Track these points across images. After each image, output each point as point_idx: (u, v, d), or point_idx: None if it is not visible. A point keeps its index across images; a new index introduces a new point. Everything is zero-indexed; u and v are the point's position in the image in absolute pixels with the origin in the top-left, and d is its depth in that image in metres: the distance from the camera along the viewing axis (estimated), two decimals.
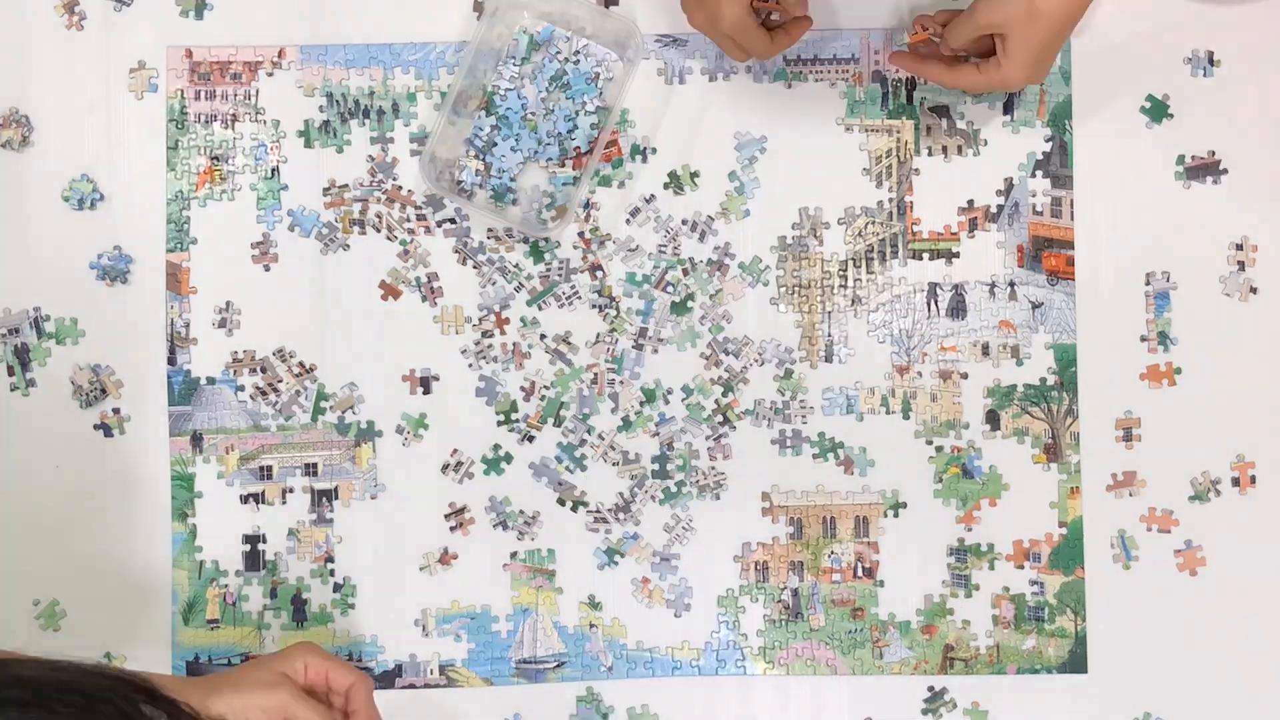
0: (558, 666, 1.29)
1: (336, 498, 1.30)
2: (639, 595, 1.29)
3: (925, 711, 1.28)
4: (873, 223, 1.31)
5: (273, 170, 1.33)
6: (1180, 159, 1.30)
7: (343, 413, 1.30)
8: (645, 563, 1.29)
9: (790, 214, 1.31)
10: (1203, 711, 1.28)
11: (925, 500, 1.30)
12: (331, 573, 1.30)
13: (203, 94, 1.33)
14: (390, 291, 1.31)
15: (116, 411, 1.30)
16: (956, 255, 1.31)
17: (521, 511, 1.30)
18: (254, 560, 1.30)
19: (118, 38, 1.32)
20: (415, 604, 1.30)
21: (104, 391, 1.30)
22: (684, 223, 1.31)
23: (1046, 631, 1.29)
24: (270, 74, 1.33)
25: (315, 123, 1.33)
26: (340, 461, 1.30)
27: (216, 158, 1.33)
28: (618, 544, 1.29)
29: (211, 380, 1.31)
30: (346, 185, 1.31)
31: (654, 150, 1.32)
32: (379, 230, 1.31)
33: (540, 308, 1.30)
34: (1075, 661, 1.29)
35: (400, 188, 1.32)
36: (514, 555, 1.30)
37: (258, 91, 1.33)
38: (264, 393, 1.31)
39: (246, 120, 1.33)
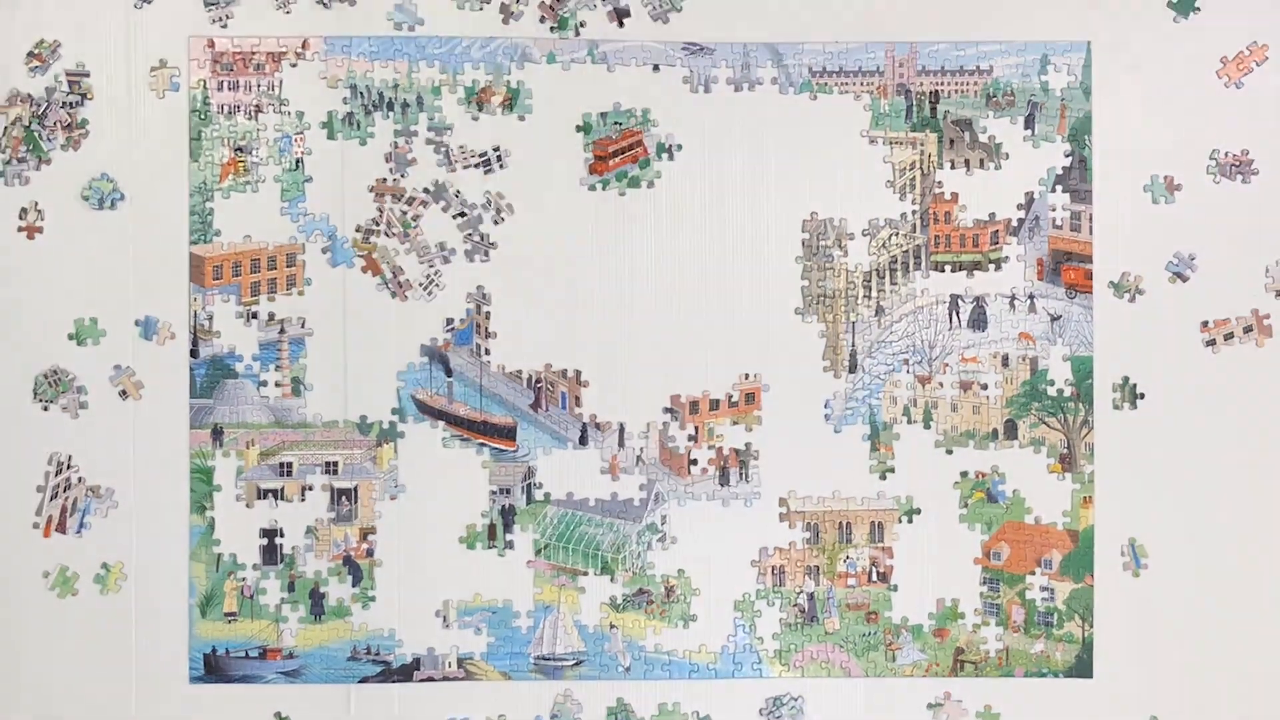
0: (576, 664, 1.31)
1: (356, 498, 1.30)
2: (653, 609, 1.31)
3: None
4: (896, 234, 1.33)
5: (296, 162, 1.32)
6: (1212, 154, 1.33)
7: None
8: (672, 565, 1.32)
9: (815, 225, 1.32)
10: (1206, 716, 1.32)
11: (941, 507, 1.32)
12: (350, 570, 1.30)
13: (225, 85, 1.32)
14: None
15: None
16: (979, 267, 1.33)
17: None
18: (271, 554, 1.31)
19: (140, 34, 1.31)
20: (437, 595, 1.30)
21: (124, 394, 1.30)
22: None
23: (1055, 636, 1.32)
24: (294, 65, 1.32)
25: (339, 115, 1.32)
26: (361, 461, 1.31)
27: (240, 149, 1.31)
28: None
29: (234, 374, 1.30)
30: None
31: (679, 147, 1.32)
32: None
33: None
34: (1081, 666, 1.32)
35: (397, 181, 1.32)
36: (539, 552, 1.31)
37: (281, 82, 1.32)
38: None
39: (270, 111, 1.32)
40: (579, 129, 1.32)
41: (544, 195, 1.32)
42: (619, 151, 1.32)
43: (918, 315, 1.33)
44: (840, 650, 1.32)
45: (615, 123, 1.33)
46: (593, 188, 1.32)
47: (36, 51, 1.31)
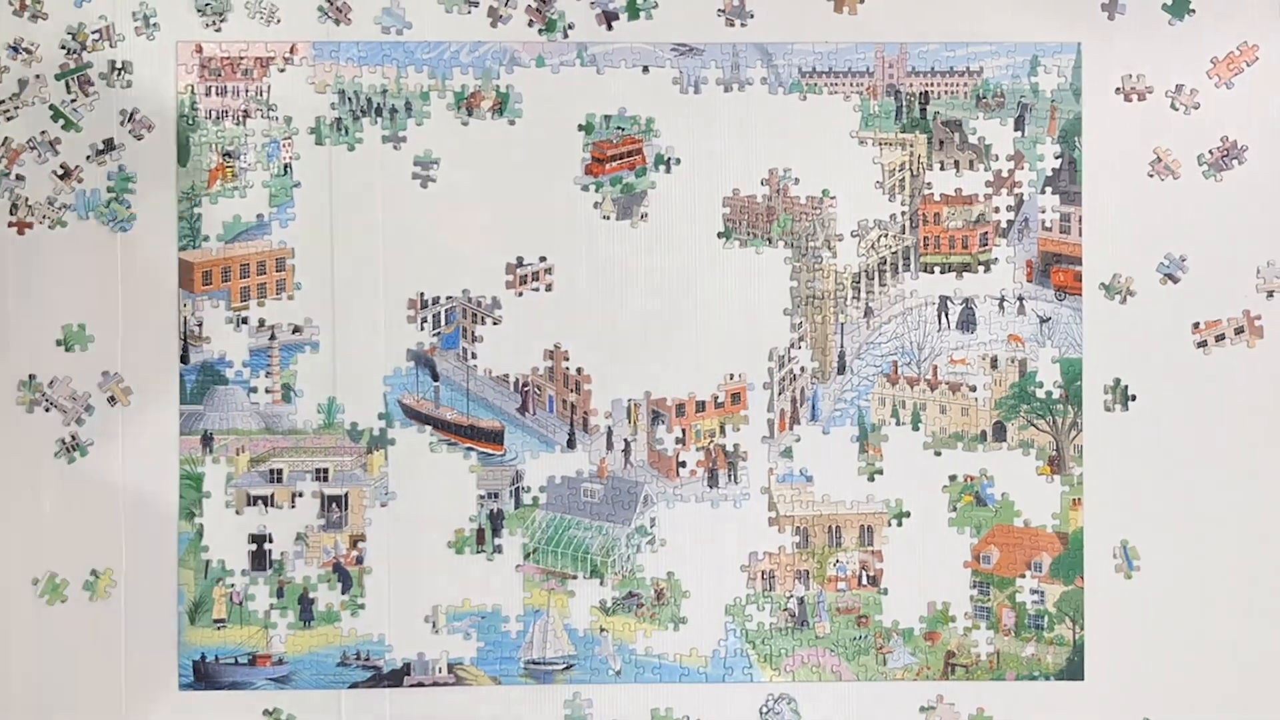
0: (566, 668, 1.30)
1: (346, 505, 1.30)
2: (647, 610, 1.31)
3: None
4: (885, 235, 1.32)
5: (285, 167, 1.32)
6: (1202, 155, 1.33)
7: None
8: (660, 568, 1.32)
9: (804, 226, 1.32)
10: (1198, 718, 1.31)
11: (930, 511, 1.32)
12: (340, 577, 1.30)
13: (213, 90, 1.32)
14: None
15: (76, 427, 1.30)
16: (968, 269, 1.33)
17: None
18: (260, 560, 1.30)
19: (129, 39, 1.31)
20: (426, 601, 1.30)
21: (112, 400, 1.30)
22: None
23: (1045, 639, 1.32)
24: (282, 70, 1.32)
25: (327, 120, 1.32)
26: (352, 468, 1.30)
27: (228, 154, 1.31)
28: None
29: (224, 380, 1.30)
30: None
31: (678, 161, 1.32)
32: None
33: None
34: (1072, 669, 1.31)
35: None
36: (528, 556, 1.31)
37: (269, 88, 1.32)
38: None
39: (258, 116, 1.32)
40: (580, 128, 1.32)
41: (534, 197, 1.32)
42: (617, 156, 1.32)
43: (906, 317, 1.32)
44: (831, 654, 1.31)
45: (618, 127, 1.32)
46: (586, 188, 1.32)
47: (28, 48, 1.30)
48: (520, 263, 1.31)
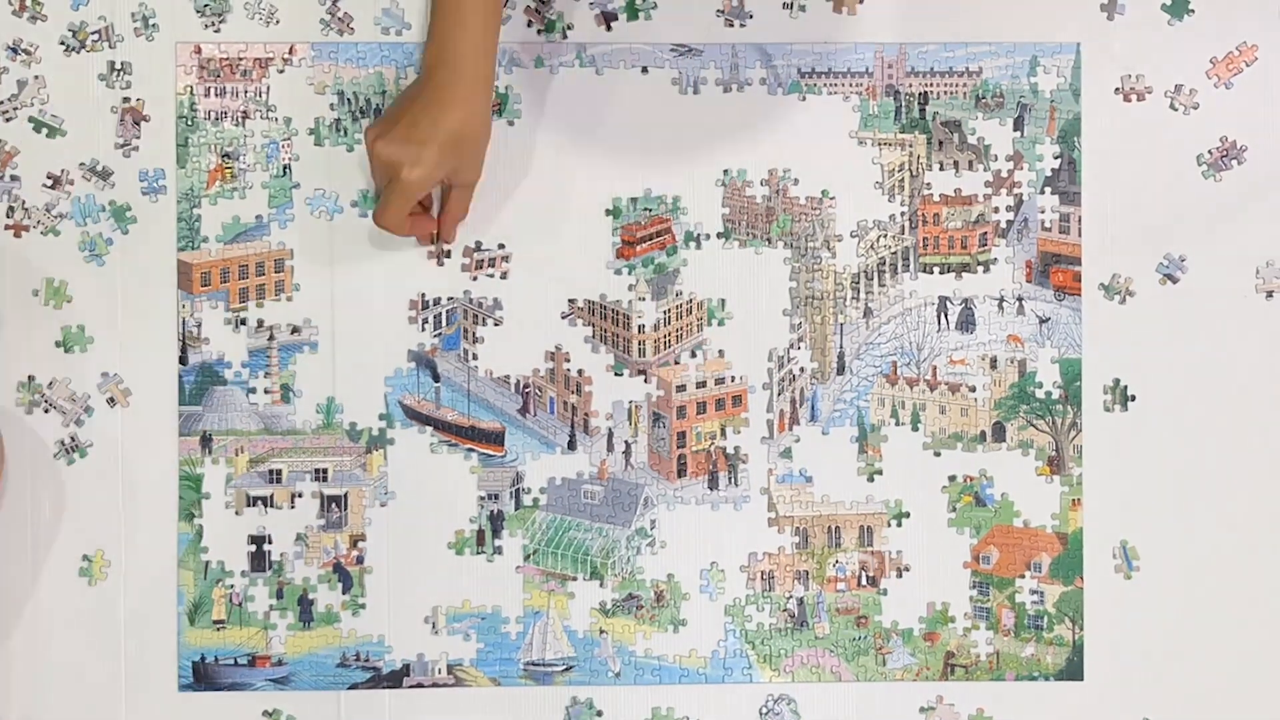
0: (566, 670, 1.30)
1: (346, 505, 1.30)
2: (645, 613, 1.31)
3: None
4: (884, 236, 1.33)
5: (284, 168, 1.32)
6: (1202, 156, 1.33)
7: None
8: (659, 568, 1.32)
9: (803, 226, 1.32)
10: (1199, 719, 1.32)
11: (930, 511, 1.32)
12: (340, 578, 1.30)
13: (213, 91, 1.32)
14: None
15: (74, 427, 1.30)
16: (967, 269, 1.33)
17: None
18: (260, 561, 1.30)
19: (128, 39, 1.31)
20: (426, 602, 1.30)
21: (111, 401, 1.30)
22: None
23: (1045, 640, 1.32)
24: (281, 71, 1.32)
25: (326, 121, 1.32)
26: (351, 468, 1.30)
27: (227, 155, 1.31)
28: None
29: (223, 381, 1.30)
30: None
31: (708, 237, 1.32)
32: None
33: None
34: (1072, 669, 1.32)
35: None
36: (528, 558, 1.31)
37: (269, 89, 1.32)
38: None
39: (257, 117, 1.32)
40: (608, 213, 1.32)
41: (532, 203, 1.32)
42: (647, 237, 1.32)
43: (906, 317, 1.32)
44: (831, 655, 1.31)
45: (645, 209, 1.32)
46: (619, 271, 1.32)
47: (28, 49, 1.30)
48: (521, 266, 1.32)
